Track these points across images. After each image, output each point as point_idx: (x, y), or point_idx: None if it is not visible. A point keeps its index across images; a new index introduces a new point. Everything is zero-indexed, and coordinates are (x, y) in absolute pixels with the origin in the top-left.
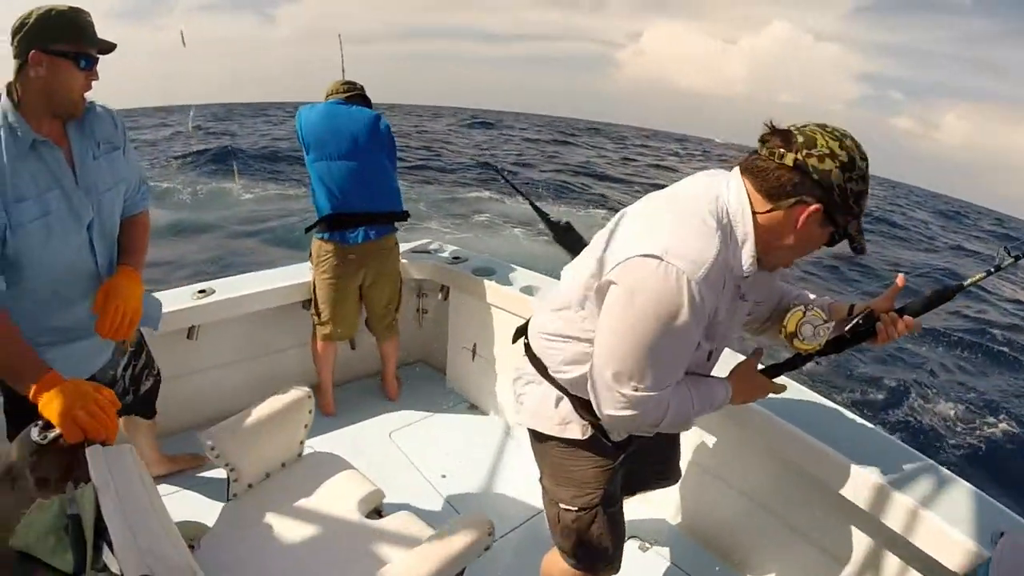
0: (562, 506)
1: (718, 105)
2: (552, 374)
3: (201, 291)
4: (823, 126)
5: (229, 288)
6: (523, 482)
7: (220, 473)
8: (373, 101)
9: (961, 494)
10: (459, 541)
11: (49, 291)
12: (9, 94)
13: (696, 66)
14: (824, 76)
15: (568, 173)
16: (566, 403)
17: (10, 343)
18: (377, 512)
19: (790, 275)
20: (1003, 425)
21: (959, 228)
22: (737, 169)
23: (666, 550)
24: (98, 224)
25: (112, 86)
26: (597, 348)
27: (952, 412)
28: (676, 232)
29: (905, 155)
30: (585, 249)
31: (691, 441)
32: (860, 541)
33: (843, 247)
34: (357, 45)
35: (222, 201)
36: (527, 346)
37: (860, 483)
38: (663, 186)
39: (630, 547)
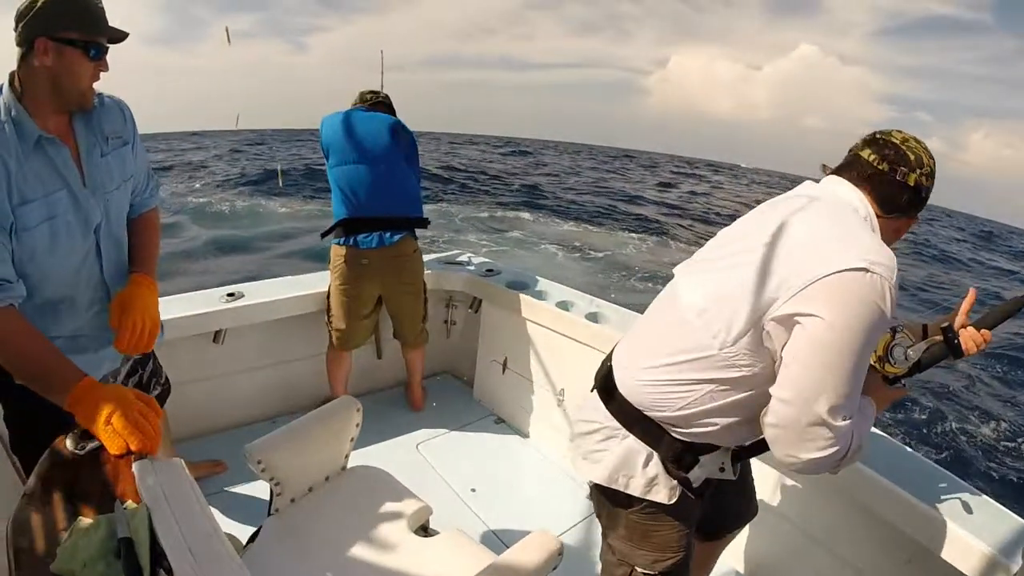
0: (639, 570)
1: (744, 131)
2: (666, 423)
3: (230, 294)
4: (917, 140)
5: (258, 292)
6: (553, 499)
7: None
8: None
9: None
10: (532, 559)
11: (51, 298)
12: (11, 85)
13: (722, 92)
14: (850, 99)
15: (611, 198)
16: (656, 461)
17: (40, 350)
18: (423, 529)
19: None
20: None
21: (993, 248)
22: (840, 177)
23: None
24: (106, 226)
25: (144, 111)
26: (798, 387)
27: (993, 432)
28: (861, 240)
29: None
30: (701, 282)
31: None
32: None
33: None
34: (385, 72)
35: (261, 217)
36: (610, 394)
37: (922, 522)
38: (723, 210)
39: None
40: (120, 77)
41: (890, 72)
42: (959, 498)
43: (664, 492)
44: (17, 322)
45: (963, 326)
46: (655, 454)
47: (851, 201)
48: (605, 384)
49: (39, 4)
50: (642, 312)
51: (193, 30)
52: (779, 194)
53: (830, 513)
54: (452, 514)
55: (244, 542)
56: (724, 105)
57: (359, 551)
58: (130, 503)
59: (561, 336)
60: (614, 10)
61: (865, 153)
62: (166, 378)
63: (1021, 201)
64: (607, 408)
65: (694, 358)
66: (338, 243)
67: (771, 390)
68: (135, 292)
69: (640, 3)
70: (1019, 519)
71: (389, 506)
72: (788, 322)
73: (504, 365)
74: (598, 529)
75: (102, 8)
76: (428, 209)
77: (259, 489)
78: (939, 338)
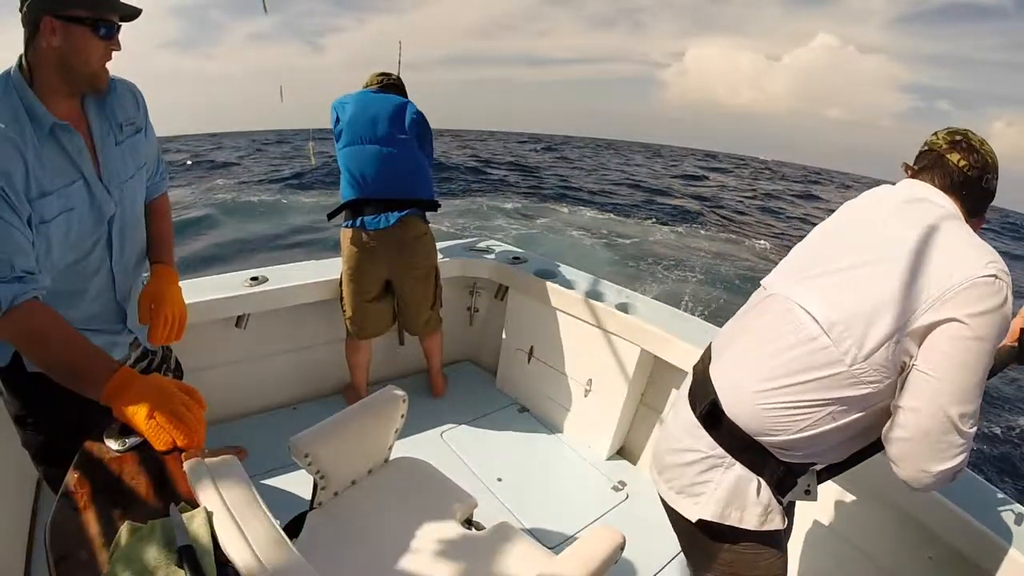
0: None
1: (764, 122)
2: (772, 447)
3: (253, 278)
4: (983, 141)
5: (282, 277)
6: (580, 489)
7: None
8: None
9: None
10: (598, 553)
11: (64, 290)
12: (21, 69)
13: (740, 84)
14: (871, 88)
15: (636, 189)
16: (765, 488)
17: (70, 341)
18: (468, 521)
19: None
20: None
21: (1020, 237)
22: (929, 184)
23: None
24: (119, 217)
25: (162, 113)
26: (931, 394)
27: None
28: (983, 247)
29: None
30: (826, 295)
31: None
32: None
33: None
34: (404, 71)
35: (289, 209)
36: (716, 420)
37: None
38: (749, 201)
39: None
40: (137, 79)
41: (911, 60)
42: (1012, 511)
43: (778, 519)
44: (44, 314)
45: None
46: (762, 480)
47: (949, 208)
48: (711, 410)
49: None
50: (672, 303)
51: (209, 33)
52: (810, 187)
53: (888, 531)
54: (482, 505)
55: None
56: (743, 97)
57: (412, 545)
58: (183, 505)
59: (590, 326)
60: (629, 3)
61: (953, 158)
62: (176, 362)
63: None
64: (711, 435)
65: (820, 377)
66: (346, 226)
67: (898, 402)
68: (164, 287)
69: None
70: None
71: (436, 499)
72: (925, 332)
73: (530, 354)
74: (624, 519)
75: None
76: (458, 203)
77: (281, 478)
78: (1009, 343)
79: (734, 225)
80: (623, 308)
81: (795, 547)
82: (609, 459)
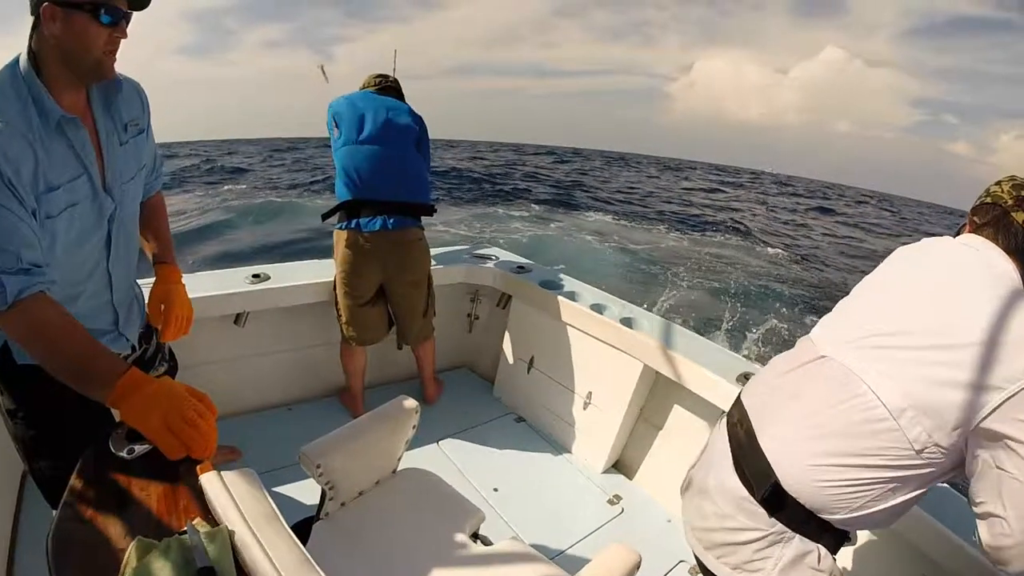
0: None
1: (771, 135)
2: (831, 518)
3: (255, 275)
4: None
5: (283, 275)
6: (576, 502)
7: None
8: (432, 136)
9: None
10: (615, 572)
11: (64, 287)
12: (30, 59)
13: (748, 97)
14: (878, 102)
15: (647, 199)
16: (826, 555)
17: (77, 339)
18: (475, 535)
19: None
20: None
21: None
22: (992, 243)
23: None
24: (119, 216)
25: (164, 119)
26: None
27: None
28: None
29: (964, 181)
30: (891, 375)
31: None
32: None
33: None
34: (413, 81)
35: (304, 211)
36: (779, 499)
37: None
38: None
39: None
40: (153, 87)
41: (918, 74)
42: None
43: None
44: (51, 308)
45: None
46: (821, 547)
47: (1013, 276)
48: (774, 490)
49: None
50: (674, 319)
51: (224, 39)
52: (814, 203)
53: (873, 548)
54: None
55: None
56: (752, 110)
57: (422, 559)
58: (200, 521)
59: (592, 339)
60: (639, 16)
61: (1019, 218)
62: (171, 353)
63: None
64: (772, 515)
65: (886, 461)
66: (340, 228)
67: (990, 509)
68: (171, 288)
69: (665, 9)
70: None
71: (444, 512)
72: (998, 435)
73: (530, 364)
74: (618, 533)
75: None
76: (475, 209)
77: (277, 480)
78: None
79: (752, 237)
80: (627, 322)
81: None
82: (605, 472)
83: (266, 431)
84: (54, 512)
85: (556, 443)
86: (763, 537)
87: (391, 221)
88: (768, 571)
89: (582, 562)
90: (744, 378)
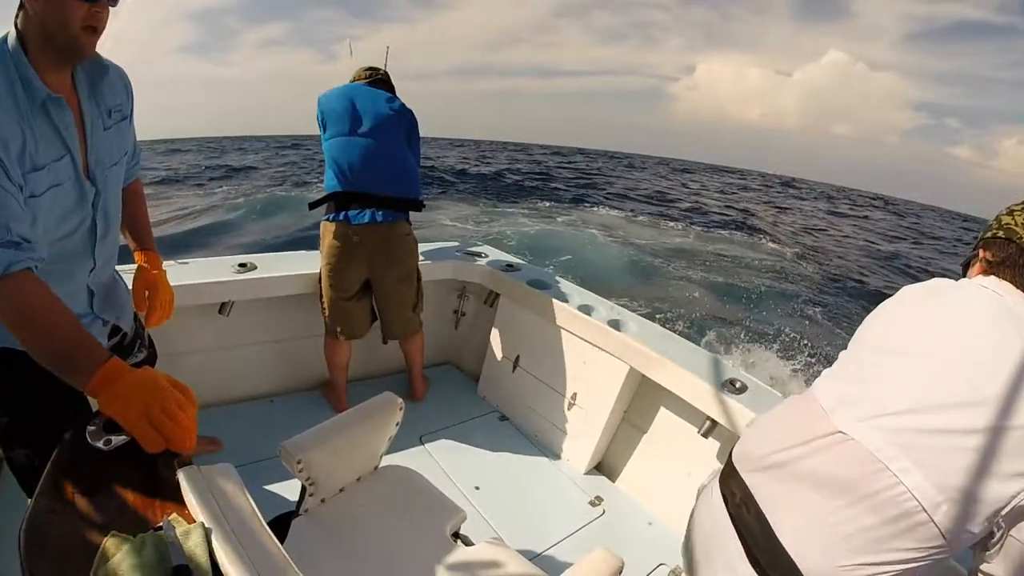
0: None
1: (773, 138)
2: None
3: (242, 264)
4: None
5: (271, 265)
6: (557, 502)
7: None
8: (438, 135)
9: None
10: None
11: (50, 271)
12: (17, 38)
13: (750, 99)
14: (880, 106)
15: (650, 196)
16: None
17: (63, 322)
18: (456, 535)
19: None
20: None
21: None
22: (1009, 284)
23: None
24: (103, 201)
25: (177, 116)
26: None
27: None
28: None
29: (967, 186)
30: (920, 461)
31: None
32: None
33: None
34: (415, 82)
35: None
36: None
37: None
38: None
39: None
40: (154, 86)
41: (920, 78)
42: None
43: None
44: (37, 287)
45: None
46: None
47: None
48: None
49: None
50: (678, 314)
51: (225, 39)
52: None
53: None
54: None
55: None
56: (753, 112)
57: (402, 558)
58: (176, 516)
59: (579, 339)
60: (641, 17)
61: None
62: (150, 340)
63: None
64: None
65: (918, 554)
66: (328, 219)
67: (993, 570)
68: (156, 275)
69: (668, 11)
70: None
71: (425, 510)
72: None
73: (515, 363)
74: (599, 534)
75: None
76: (475, 208)
77: (257, 473)
78: None
79: (756, 235)
80: (615, 325)
81: None
82: (588, 473)
83: (248, 423)
84: (29, 501)
85: (539, 443)
86: None
87: (380, 215)
88: None
89: (563, 563)
90: (730, 384)
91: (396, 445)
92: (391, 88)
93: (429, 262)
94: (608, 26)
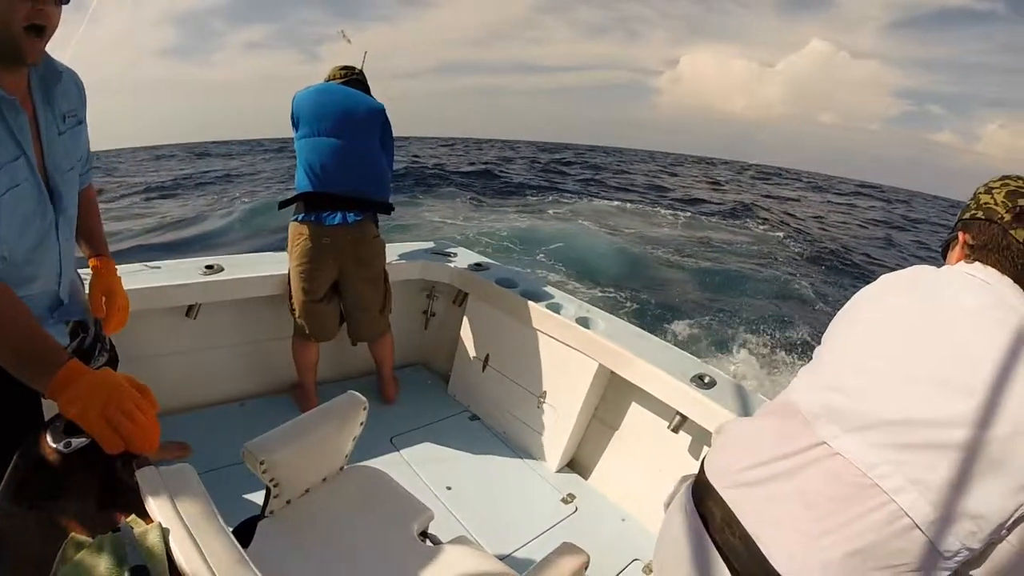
0: None
1: (757, 128)
2: None
3: (208, 267)
4: None
5: (237, 267)
6: (528, 499)
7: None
8: (421, 135)
9: None
10: (564, 572)
11: (14, 276)
12: None
13: (734, 90)
14: (863, 94)
15: (640, 188)
16: None
17: (23, 323)
18: (423, 534)
19: None
20: None
21: None
22: (999, 272)
23: None
24: (61, 206)
25: (160, 122)
26: None
27: None
28: None
29: (950, 171)
30: (911, 475)
31: None
32: None
33: None
34: (402, 80)
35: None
36: None
37: None
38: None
39: None
40: (136, 90)
41: (904, 66)
42: None
43: None
44: (1, 290)
45: None
46: None
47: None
48: None
49: None
50: (647, 312)
51: (208, 41)
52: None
53: None
54: None
55: None
56: (737, 104)
57: (368, 558)
58: (134, 518)
59: (548, 338)
60: (624, 11)
61: (1020, 236)
62: (111, 343)
63: None
64: None
65: (912, 570)
66: (297, 220)
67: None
68: (112, 279)
69: (650, 4)
70: None
71: (392, 511)
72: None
73: (485, 362)
74: (572, 532)
75: None
76: (463, 205)
77: (226, 478)
78: None
79: (742, 220)
80: (583, 322)
81: None
82: (559, 471)
83: (217, 427)
84: None
85: (510, 441)
86: None
87: (351, 216)
88: None
89: (534, 560)
90: (699, 380)
91: (366, 447)
92: (366, 89)
93: (400, 262)
94: (592, 21)
